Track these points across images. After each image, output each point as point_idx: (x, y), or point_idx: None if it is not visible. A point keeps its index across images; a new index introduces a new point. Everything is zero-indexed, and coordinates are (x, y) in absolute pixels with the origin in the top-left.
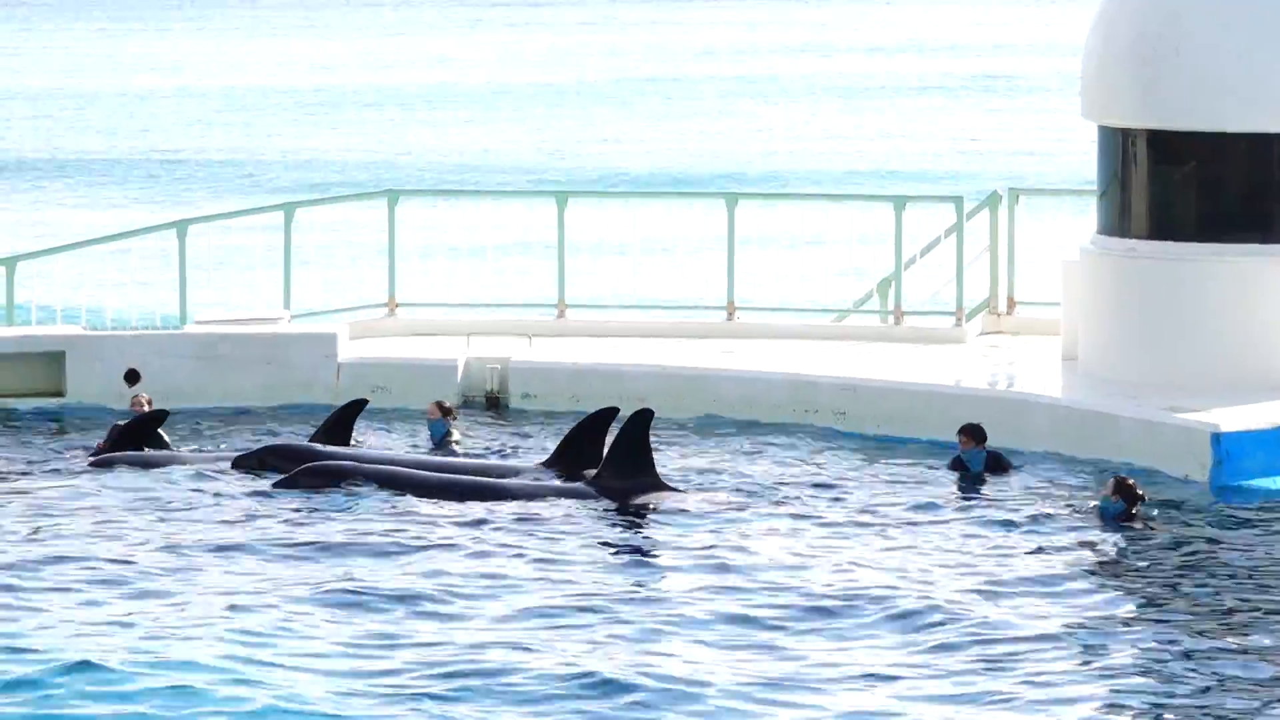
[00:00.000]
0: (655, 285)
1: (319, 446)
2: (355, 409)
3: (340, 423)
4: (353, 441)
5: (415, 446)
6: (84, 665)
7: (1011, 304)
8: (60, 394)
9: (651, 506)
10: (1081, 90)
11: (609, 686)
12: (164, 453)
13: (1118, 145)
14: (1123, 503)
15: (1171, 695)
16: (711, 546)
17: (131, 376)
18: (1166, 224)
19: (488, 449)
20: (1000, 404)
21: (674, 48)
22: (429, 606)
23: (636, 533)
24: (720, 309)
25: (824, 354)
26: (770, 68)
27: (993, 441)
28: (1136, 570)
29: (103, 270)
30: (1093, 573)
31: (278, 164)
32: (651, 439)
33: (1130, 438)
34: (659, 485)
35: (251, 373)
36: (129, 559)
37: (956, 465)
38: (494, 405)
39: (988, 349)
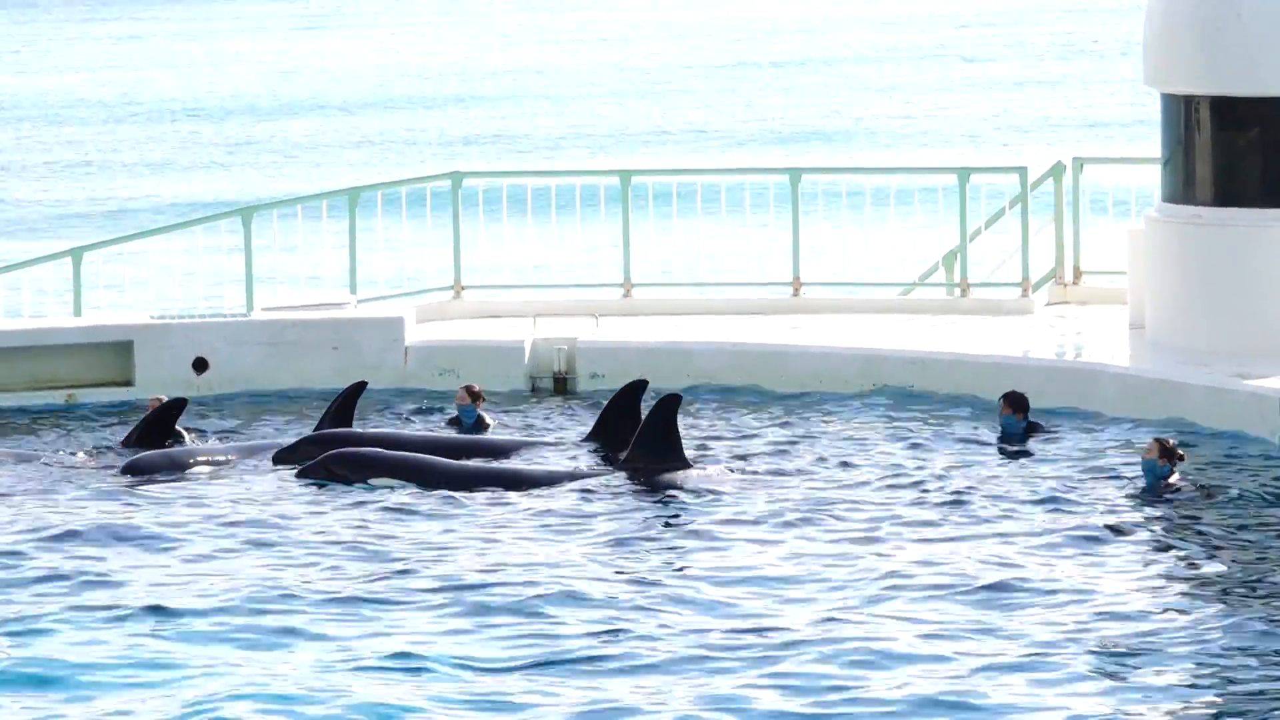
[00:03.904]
0: (720, 262)
1: (357, 432)
2: (356, 392)
3: (344, 407)
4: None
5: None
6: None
7: (1078, 274)
8: (129, 383)
9: (679, 490)
10: (1144, 57)
11: (630, 668)
12: (196, 446)
13: (1181, 112)
14: (1169, 465)
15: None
16: (736, 529)
17: (200, 364)
18: (1231, 190)
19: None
20: (1069, 374)
21: (735, 27)
22: (449, 592)
23: (662, 517)
24: (786, 285)
25: (891, 328)
26: (837, 42)
27: (1063, 410)
28: (1201, 536)
29: (169, 259)
30: (1153, 540)
31: (342, 148)
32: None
33: (1200, 405)
34: (687, 467)
35: (320, 358)
36: (161, 553)
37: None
38: (561, 386)
39: (1055, 319)
